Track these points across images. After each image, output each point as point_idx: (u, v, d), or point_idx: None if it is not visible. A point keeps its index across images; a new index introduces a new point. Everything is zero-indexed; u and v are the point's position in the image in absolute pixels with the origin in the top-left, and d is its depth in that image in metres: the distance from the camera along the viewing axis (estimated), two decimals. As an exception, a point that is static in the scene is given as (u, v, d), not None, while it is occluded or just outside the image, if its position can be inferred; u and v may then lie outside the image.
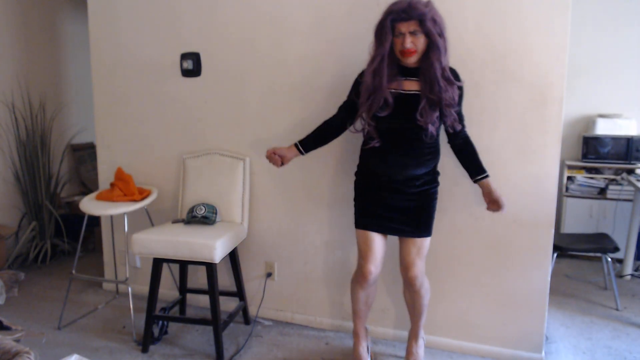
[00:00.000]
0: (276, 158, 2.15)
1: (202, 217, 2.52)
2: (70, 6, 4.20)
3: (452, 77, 1.91)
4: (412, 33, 1.81)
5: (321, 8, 2.41)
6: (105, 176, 3.06)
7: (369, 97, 1.92)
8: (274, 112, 2.60)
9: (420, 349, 2.24)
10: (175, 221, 2.61)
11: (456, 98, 1.93)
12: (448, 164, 2.29)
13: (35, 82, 3.87)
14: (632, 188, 3.55)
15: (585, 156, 3.84)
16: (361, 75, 2.01)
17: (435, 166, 2.06)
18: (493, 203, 2.05)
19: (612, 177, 3.80)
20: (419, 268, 2.06)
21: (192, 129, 2.81)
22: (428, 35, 1.82)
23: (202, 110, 2.77)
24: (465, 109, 2.23)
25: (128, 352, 2.40)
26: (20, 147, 3.65)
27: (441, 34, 1.84)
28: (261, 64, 2.59)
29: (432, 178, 2.06)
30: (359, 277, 2.09)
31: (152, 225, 2.85)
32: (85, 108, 4.15)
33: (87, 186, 4.31)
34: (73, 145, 4.24)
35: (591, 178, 3.83)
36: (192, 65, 2.73)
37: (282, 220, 2.66)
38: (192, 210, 2.56)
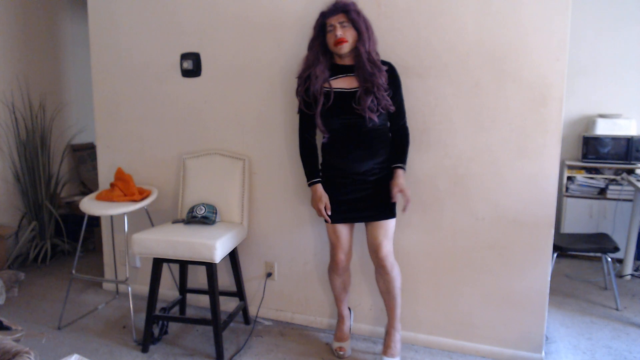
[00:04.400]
0: (325, 207, 2.19)
1: (202, 217, 2.52)
2: (70, 6, 4.20)
3: (377, 61, 2.10)
4: (341, 24, 2.06)
5: (322, 7, 2.41)
6: (105, 176, 3.06)
7: (307, 84, 2.13)
8: (274, 112, 2.60)
9: (398, 343, 2.30)
10: (175, 221, 2.61)
11: (385, 81, 2.09)
12: (447, 164, 2.29)
13: (35, 82, 3.87)
14: (632, 188, 3.55)
15: (585, 156, 3.84)
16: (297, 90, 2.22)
17: (389, 154, 2.21)
18: (400, 192, 2.16)
19: (612, 177, 3.80)
20: (388, 248, 2.19)
21: (192, 129, 2.81)
22: (354, 24, 2.06)
23: (202, 110, 2.77)
24: (465, 109, 2.24)
25: (128, 352, 2.40)
26: (20, 147, 3.65)
27: (367, 27, 2.09)
28: (261, 63, 2.59)
29: (387, 165, 2.20)
30: (333, 265, 2.30)
31: (152, 225, 2.85)
32: (85, 108, 4.16)
33: (87, 186, 4.31)
34: (73, 145, 4.24)
35: (591, 178, 3.83)
36: (192, 65, 2.73)
37: (282, 220, 2.66)
38: (192, 210, 2.56)
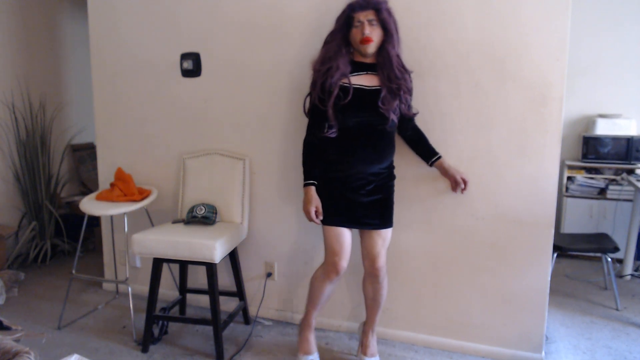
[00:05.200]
0: (317, 214, 2.09)
1: (202, 217, 2.52)
2: (70, 6, 4.20)
3: (405, 66, 2.09)
4: (370, 22, 1.97)
5: (321, 8, 2.41)
6: (105, 176, 3.06)
7: (324, 80, 2.01)
8: (274, 112, 2.60)
9: (375, 342, 2.29)
10: (175, 221, 2.61)
11: (411, 85, 2.10)
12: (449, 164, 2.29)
13: (35, 82, 3.87)
14: (632, 188, 3.55)
15: (585, 156, 3.84)
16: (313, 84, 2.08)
17: (392, 160, 2.18)
18: (454, 182, 2.21)
19: (612, 177, 3.80)
20: (384, 259, 2.15)
21: (192, 129, 2.81)
22: (384, 24, 1.98)
23: (202, 110, 2.77)
24: (465, 109, 2.24)
25: (128, 352, 2.40)
26: (20, 147, 3.65)
27: (396, 29, 2.03)
28: (261, 63, 2.59)
29: (391, 172, 2.18)
30: (330, 273, 2.13)
31: (152, 225, 2.85)
32: (85, 108, 4.15)
33: (87, 186, 4.31)
34: (73, 145, 4.24)
35: (591, 178, 3.83)
36: (192, 65, 2.73)
37: (282, 220, 2.66)
38: (192, 210, 2.56)
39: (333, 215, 2.11)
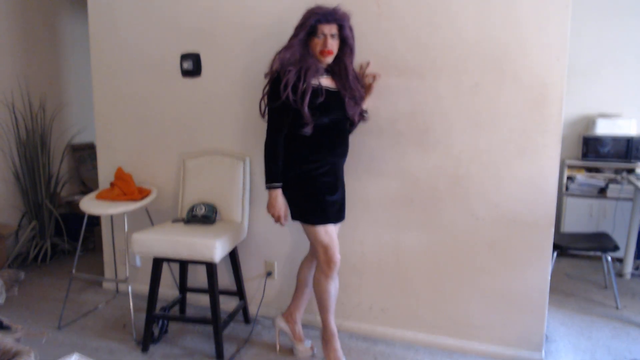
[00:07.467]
0: (283, 217, 2.16)
1: (202, 216, 2.52)
2: (70, 6, 4.20)
3: (359, 76, 2.23)
4: (332, 36, 2.05)
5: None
6: (105, 176, 3.06)
7: (299, 77, 2.01)
8: (274, 111, 2.59)
9: None
10: (175, 220, 2.61)
11: (364, 94, 2.24)
12: (447, 164, 2.29)
13: (35, 82, 3.87)
14: (632, 187, 3.56)
15: (585, 156, 3.84)
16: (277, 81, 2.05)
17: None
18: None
19: (612, 176, 3.80)
20: None
21: (192, 129, 2.81)
22: (345, 40, 2.08)
23: (202, 110, 2.77)
24: (465, 109, 2.24)
25: (128, 352, 2.40)
26: (20, 147, 3.65)
27: (354, 44, 2.12)
28: (261, 63, 2.59)
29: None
30: (329, 269, 2.16)
31: (152, 224, 2.85)
32: (85, 108, 4.16)
33: (87, 185, 4.32)
34: (73, 145, 4.25)
35: (591, 177, 3.83)
36: (192, 66, 2.73)
37: (282, 220, 2.66)
38: (192, 209, 2.56)
39: (321, 214, 2.13)
